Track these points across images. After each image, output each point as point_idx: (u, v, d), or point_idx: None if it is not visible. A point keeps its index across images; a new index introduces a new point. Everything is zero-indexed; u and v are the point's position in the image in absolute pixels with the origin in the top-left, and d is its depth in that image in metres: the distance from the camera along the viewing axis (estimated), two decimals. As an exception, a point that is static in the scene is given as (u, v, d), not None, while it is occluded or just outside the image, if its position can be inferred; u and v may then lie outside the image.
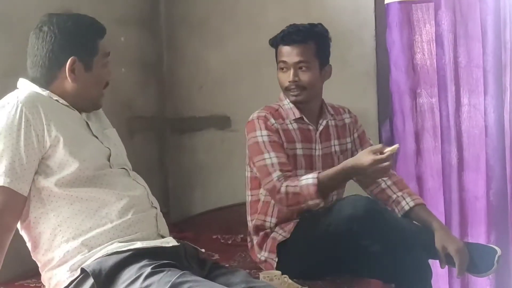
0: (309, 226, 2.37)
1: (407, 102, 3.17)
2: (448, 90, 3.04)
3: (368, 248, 2.30)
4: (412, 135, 3.18)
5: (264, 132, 2.46)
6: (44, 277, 1.86)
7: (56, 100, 1.87)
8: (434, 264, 2.52)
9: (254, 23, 3.52)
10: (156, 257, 1.71)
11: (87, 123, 1.93)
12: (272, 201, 2.48)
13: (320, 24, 2.61)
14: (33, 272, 2.49)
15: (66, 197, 1.79)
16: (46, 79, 1.89)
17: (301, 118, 2.52)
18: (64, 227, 1.78)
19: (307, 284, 2.28)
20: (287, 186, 2.32)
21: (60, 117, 1.82)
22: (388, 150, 2.18)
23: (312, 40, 2.50)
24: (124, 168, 1.95)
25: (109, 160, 1.90)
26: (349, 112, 2.70)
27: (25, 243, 2.57)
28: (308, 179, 2.28)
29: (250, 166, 2.58)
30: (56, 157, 1.78)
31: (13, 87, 2.63)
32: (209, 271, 1.85)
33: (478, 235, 2.95)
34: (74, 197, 1.79)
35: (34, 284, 2.42)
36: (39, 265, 1.88)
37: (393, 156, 2.27)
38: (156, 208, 1.94)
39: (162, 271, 1.63)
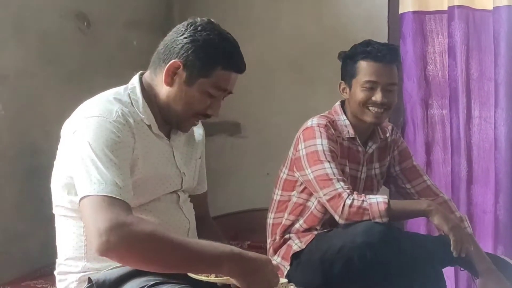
0: (323, 244, 2.31)
1: (418, 113, 3.15)
2: (459, 102, 3.02)
3: (380, 266, 2.25)
4: (422, 146, 3.16)
5: (325, 141, 2.31)
6: (57, 271, 1.78)
7: (147, 124, 1.71)
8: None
9: (267, 30, 3.53)
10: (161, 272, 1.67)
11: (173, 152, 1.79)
12: (309, 205, 2.41)
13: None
14: (40, 273, 2.52)
15: None
16: (152, 72, 1.75)
17: (354, 138, 2.42)
18: (90, 250, 1.68)
19: (315, 293, 2.28)
20: (354, 199, 2.22)
21: (143, 144, 1.67)
22: None
23: (397, 61, 2.41)
24: (175, 193, 1.79)
25: (169, 189, 1.77)
26: (392, 129, 2.61)
27: (32, 243, 2.61)
28: (378, 198, 2.22)
29: (291, 170, 2.44)
30: None
31: (26, 88, 2.66)
32: None
33: (485, 249, 2.91)
34: None
35: (41, 285, 2.43)
36: (58, 254, 1.78)
37: None
38: None
39: (163, 285, 1.60)
